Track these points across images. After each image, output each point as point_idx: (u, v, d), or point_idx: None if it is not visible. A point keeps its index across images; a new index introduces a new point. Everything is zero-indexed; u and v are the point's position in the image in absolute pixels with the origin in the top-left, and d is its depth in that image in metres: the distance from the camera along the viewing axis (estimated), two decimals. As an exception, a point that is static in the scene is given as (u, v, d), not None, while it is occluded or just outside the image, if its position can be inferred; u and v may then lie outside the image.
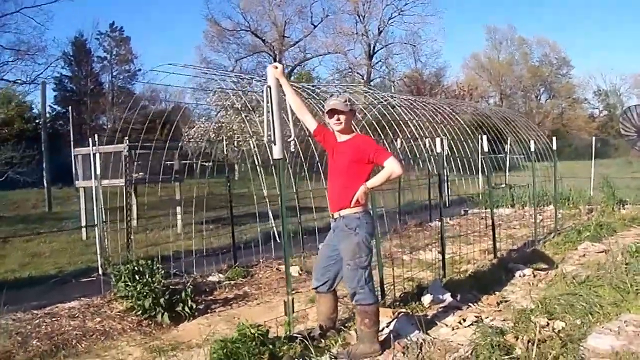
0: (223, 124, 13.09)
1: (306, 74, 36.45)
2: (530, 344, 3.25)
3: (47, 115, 23.61)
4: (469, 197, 11.67)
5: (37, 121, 23.84)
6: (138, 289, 4.52)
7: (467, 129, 11.37)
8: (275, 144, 3.72)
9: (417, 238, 7.96)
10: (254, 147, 8.37)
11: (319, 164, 7.11)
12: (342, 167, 3.48)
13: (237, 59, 37.28)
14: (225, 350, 3.17)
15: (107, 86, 36.03)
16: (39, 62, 29.00)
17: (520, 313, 4.03)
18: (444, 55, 64.58)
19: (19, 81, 27.96)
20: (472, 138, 10.94)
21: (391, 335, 3.62)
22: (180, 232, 8.52)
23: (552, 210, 8.74)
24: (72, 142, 10.79)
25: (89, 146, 7.52)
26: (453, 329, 3.87)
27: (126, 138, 6.41)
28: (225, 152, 7.34)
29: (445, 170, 11.42)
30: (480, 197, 11.24)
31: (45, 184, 15.40)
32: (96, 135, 7.18)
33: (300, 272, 5.97)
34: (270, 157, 4.59)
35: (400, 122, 9.51)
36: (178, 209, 9.24)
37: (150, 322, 4.43)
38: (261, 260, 6.62)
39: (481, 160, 11.53)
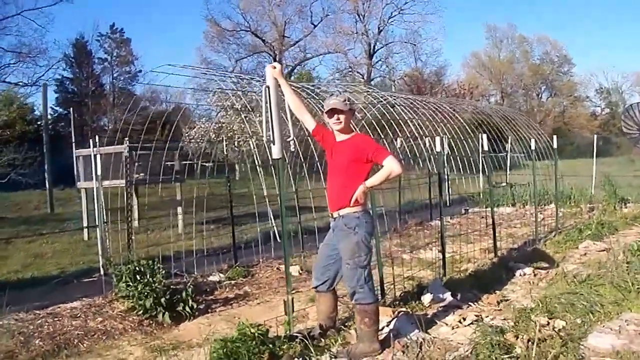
0: (223, 125, 13.10)
1: (306, 73, 36.48)
2: (530, 343, 3.25)
3: (49, 117, 23.71)
4: (470, 196, 11.66)
5: (38, 123, 23.89)
6: (139, 289, 4.54)
7: (468, 127, 11.36)
8: (274, 144, 3.72)
9: (418, 237, 7.96)
10: (253, 147, 8.38)
11: (318, 163, 7.12)
12: (341, 166, 3.49)
13: (237, 59, 37.39)
14: (225, 349, 3.18)
15: (108, 87, 36.10)
16: (40, 64, 29.10)
17: (521, 312, 4.02)
18: (444, 54, 64.79)
19: (20, 83, 28.06)
20: (473, 137, 10.93)
21: (391, 335, 3.63)
22: (181, 232, 8.54)
23: (553, 209, 8.73)
24: (73, 144, 10.81)
25: (90, 147, 7.55)
26: (453, 328, 3.87)
27: (126, 139, 6.43)
28: (225, 153, 7.36)
29: (445, 170, 11.43)
30: (481, 196, 11.23)
31: (47, 186, 15.45)
32: (97, 137, 7.20)
33: (301, 271, 5.98)
34: (270, 157, 4.60)
35: (400, 121, 9.51)
36: (179, 209, 9.26)
37: (151, 322, 4.45)
38: (261, 260, 6.63)
39: (482, 159, 11.52)
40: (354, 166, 3.44)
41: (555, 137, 8.75)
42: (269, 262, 6.59)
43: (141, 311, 4.49)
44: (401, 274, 5.19)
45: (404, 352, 3.38)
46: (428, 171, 10.24)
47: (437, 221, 8.52)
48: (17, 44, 27.98)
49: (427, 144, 9.61)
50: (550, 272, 5.46)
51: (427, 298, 4.53)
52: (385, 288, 4.70)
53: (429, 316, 4.14)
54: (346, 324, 3.97)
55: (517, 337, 3.42)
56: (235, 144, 11.28)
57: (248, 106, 8.80)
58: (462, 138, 10.92)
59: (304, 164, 7.89)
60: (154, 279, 4.64)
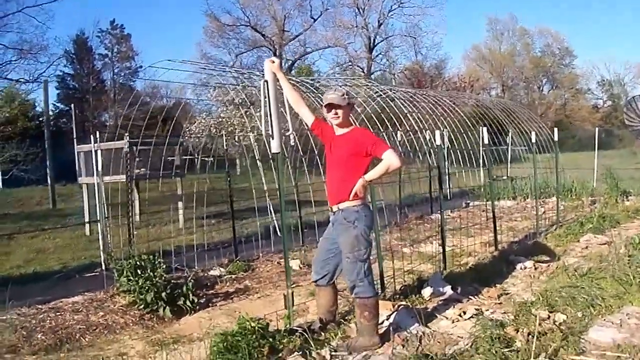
0: (223, 119, 13.08)
1: (306, 67, 36.39)
2: (530, 336, 3.25)
3: (50, 113, 23.73)
4: (470, 189, 11.65)
5: (40, 119, 23.91)
6: (140, 284, 4.56)
7: (468, 121, 11.33)
8: (273, 138, 3.72)
9: (418, 231, 7.96)
10: (253, 142, 8.38)
11: (318, 157, 7.11)
12: (341, 160, 3.48)
13: (237, 54, 37.33)
14: (225, 343, 3.19)
15: (109, 83, 36.11)
16: (41, 61, 29.10)
17: (521, 306, 4.03)
18: (444, 47, 64.65)
19: (22, 80, 28.08)
20: (473, 130, 10.90)
21: (391, 328, 3.63)
22: (181, 226, 8.57)
23: (554, 202, 8.72)
24: (74, 140, 10.83)
25: (91, 143, 7.55)
26: (453, 322, 3.88)
27: (127, 134, 6.43)
28: (225, 147, 7.35)
29: (446, 163, 11.41)
30: (482, 190, 11.22)
31: (49, 181, 15.49)
32: (98, 132, 7.20)
33: (301, 265, 5.99)
34: (269, 152, 4.59)
35: (400, 115, 9.48)
36: (179, 204, 9.28)
37: (152, 316, 4.47)
38: (262, 254, 6.65)
39: (482, 153, 11.49)
40: (353, 160, 3.43)
41: (556, 129, 8.72)
42: (270, 256, 6.60)
43: (142, 305, 4.51)
44: (401, 267, 5.19)
45: (403, 346, 3.39)
46: (428, 165, 10.23)
47: (437, 215, 8.51)
48: (18, 41, 28.04)
49: (428, 138, 9.58)
50: (551, 266, 5.46)
51: (427, 292, 4.53)
52: (386, 282, 4.70)
53: (429, 310, 4.14)
54: (346, 317, 3.98)
55: (518, 331, 3.42)
56: (236, 138, 11.26)
57: (247, 101, 8.78)
58: (463, 131, 10.89)
59: (303, 158, 7.88)
60: (155, 274, 4.65)
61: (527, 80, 47.23)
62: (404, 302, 4.22)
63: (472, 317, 3.89)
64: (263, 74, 3.81)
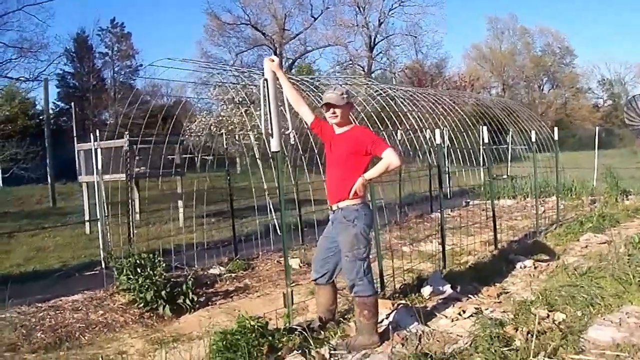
0: (224, 118, 13.09)
1: (307, 66, 36.39)
2: (529, 335, 3.25)
3: (50, 111, 23.70)
4: (471, 188, 11.65)
5: (40, 118, 23.91)
6: (140, 282, 4.56)
7: (468, 120, 11.33)
8: (272, 137, 3.71)
9: (418, 230, 7.96)
10: (253, 141, 8.38)
11: (318, 156, 7.11)
12: (340, 158, 3.48)
13: (237, 52, 37.32)
14: (225, 342, 3.19)
15: (109, 82, 36.10)
16: (41, 59, 29.15)
17: (521, 305, 4.03)
18: (445, 46, 64.63)
19: (22, 78, 28.11)
20: (474, 129, 10.90)
21: (390, 327, 3.63)
22: (181, 225, 8.57)
23: (554, 202, 8.72)
24: (75, 138, 10.82)
25: (91, 142, 7.55)
26: (452, 321, 3.88)
27: (126, 133, 6.43)
28: (225, 146, 7.35)
29: (446, 162, 11.41)
30: (482, 189, 11.22)
31: (49, 180, 15.49)
32: (97, 131, 7.21)
33: (301, 264, 5.99)
34: (269, 150, 4.59)
35: (400, 114, 9.48)
36: (179, 202, 9.27)
37: (152, 315, 4.47)
38: (261, 253, 6.65)
39: (482, 152, 11.49)
40: (353, 159, 3.43)
41: (556, 129, 8.72)
42: (269, 255, 6.60)
43: (142, 304, 4.51)
44: (401, 266, 5.20)
45: (403, 345, 3.39)
46: (428, 164, 10.23)
47: (437, 213, 8.51)
48: (18, 39, 28.03)
49: (428, 137, 9.58)
50: (551, 265, 5.46)
51: (426, 290, 4.53)
52: (385, 280, 4.70)
53: (428, 309, 4.14)
54: (345, 316, 3.98)
55: (517, 330, 3.43)
56: (236, 137, 11.26)
57: (247, 100, 8.78)
58: (463, 130, 10.88)
59: (303, 157, 7.88)
60: (155, 272, 4.66)
61: (528, 80, 47.20)
62: (403, 301, 4.22)
63: (471, 316, 3.90)
64: (263, 73, 3.81)
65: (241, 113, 9.80)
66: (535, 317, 3.49)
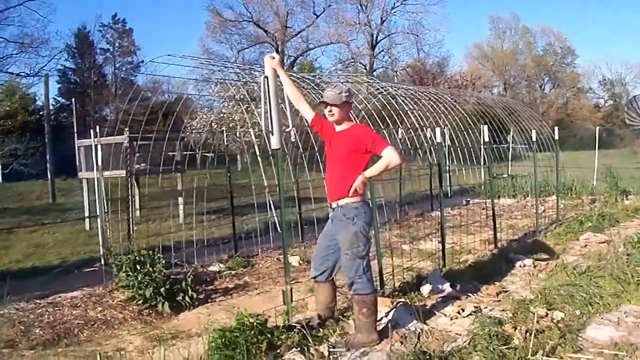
0: (224, 115, 13.09)
1: (308, 64, 36.38)
2: (528, 334, 3.25)
3: (51, 107, 23.72)
4: (471, 187, 11.65)
5: (40, 113, 23.89)
6: (139, 279, 4.55)
7: (469, 119, 11.32)
8: (273, 134, 3.71)
9: (418, 228, 7.96)
10: (254, 138, 8.37)
11: (318, 154, 7.11)
12: (340, 156, 3.47)
13: (239, 49, 37.24)
14: (224, 339, 3.19)
15: (110, 78, 36.06)
16: (42, 55, 29.11)
17: (520, 303, 4.03)
18: (446, 45, 64.25)
19: (22, 74, 28.07)
20: (475, 128, 10.90)
21: (389, 325, 3.63)
22: (181, 222, 8.56)
23: (554, 201, 8.72)
24: (75, 134, 10.81)
25: (91, 138, 7.54)
26: (451, 319, 3.88)
27: (126, 129, 6.42)
28: (225, 143, 7.34)
29: (447, 161, 11.40)
30: (482, 187, 11.21)
31: (49, 176, 15.49)
32: (98, 127, 7.20)
33: (301, 262, 5.99)
34: (269, 148, 4.59)
35: (401, 112, 9.48)
36: (180, 199, 9.27)
37: (151, 312, 4.46)
38: (261, 250, 6.64)
39: (483, 151, 11.49)
40: (353, 156, 3.43)
41: (556, 128, 8.72)
42: (269, 252, 6.60)
43: (141, 301, 4.51)
44: (401, 264, 5.20)
45: (402, 343, 3.39)
46: (429, 162, 10.22)
47: (437, 212, 8.51)
48: (19, 35, 28.03)
49: (429, 135, 9.57)
50: (550, 264, 5.46)
51: (426, 289, 4.53)
52: (385, 278, 4.70)
53: (427, 307, 4.14)
54: (345, 314, 3.98)
55: (516, 328, 3.42)
56: (237, 134, 11.26)
57: (247, 97, 8.77)
58: (464, 129, 10.88)
59: (304, 155, 7.88)
60: (154, 269, 4.65)
61: (529, 79, 47.15)
62: (402, 299, 4.21)
63: (470, 314, 3.90)
64: (264, 70, 3.80)
65: (242, 110, 9.79)
66: (534, 316, 3.49)
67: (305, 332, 3.39)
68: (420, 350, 3.19)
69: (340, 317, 3.90)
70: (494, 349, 3.10)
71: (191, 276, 4.80)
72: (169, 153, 8.78)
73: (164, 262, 4.90)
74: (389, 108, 9.28)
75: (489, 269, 5.33)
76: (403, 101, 9.51)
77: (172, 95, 25.77)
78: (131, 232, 6.23)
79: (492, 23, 48.44)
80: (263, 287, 5.18)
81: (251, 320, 3.31)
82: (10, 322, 4.13)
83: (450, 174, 12.09)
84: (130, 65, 36.87)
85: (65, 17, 46.65)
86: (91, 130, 7.33)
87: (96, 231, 7.14)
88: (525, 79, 47.12)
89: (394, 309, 3.91)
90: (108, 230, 6.53)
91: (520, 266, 5.44)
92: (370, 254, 3.61)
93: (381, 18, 37.57)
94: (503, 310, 3.98)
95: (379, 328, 3.56)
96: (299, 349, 3.26)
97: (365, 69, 36.48)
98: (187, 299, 4.55)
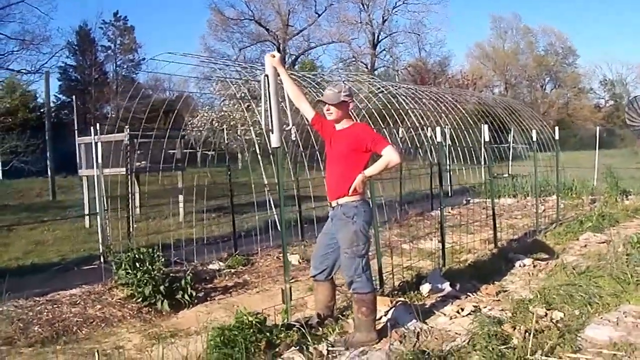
0: (225, 113, 13.08)
1: (310, 63, 36.36)
2: (527, 334, 3.25)
3: (52, 104, 23.72)
4: (472, 186, 11.64)
5: (41, 110, 23.92)
6: (138, 277, 4.56)
7: (470, 118, 11.31)
8: (273, 133, 3.70)
9: (418, 227, 7.95)
10: (255, 136, 8.36)
11: (318, 153, 7.10)
12: (340, 155, 3.47)
13: (240, 48, 37.25)
14: (222, 337, 3.18)
15: (111, 75, 36.05)
16: (43, 52, 28.97)
17: (519, 303, 4.02)
18: (448, 45, 64.45)
19: (23, 71, 28.01)
20: (475, 128, 10.89)
21: (388, 324, 3.63)
22: (181, 220, 8.56)
23: (555, 201, 8.71)
24: (76, 132, 10.80)
25: (91, 135, 7.53)
26: (451, 319, 3.87)
27: (127, 127, 6.41)
28: (226, 141, 7.34)
29: (447, 160, 11.40)
30: (483, 187, 11.21)
31: (49, 173, 15.49)
32: (98, 124, 7.19)
33: (300, 260, 5.99)
34: (269, 146, 4.58)
35: (402, 111, 9.47)
36: (180, 197, 9.27)
37: (150, 310, 4.46)
38: (261, 249, 6.63)
39: (483, 150, 11.49)
40: (353, 155, 3.42)
41: (557, 128, 8.71)
42: (269, 251, 6.59)
43: (140, 299, 4.51)
44: (400, 263, 5.19)
45: (401, 342, 3.38)
46: (429, 161, 10.22)
47: (437, 211, 8.50)
48: (20, 31, 27.91)
49: (429, 135, 9.56)
50: (550, 264, 5.45)
51: (425, 288, 4.52)
52: (384, 278, 4.70)
53: (427, 306, 4.14)
54: (344, 313, 3.98)
55: (515, 328, 3.42)
56: (238, 132, 11.25)
57: (248, 95, 8.76)
58: (464, 128, 10.87)
59: (304, 154, 7.87)
60: (154, 267, 4.65)
61: (530, 79, 47.10)
62: (402, 298, 4.20)
63: (470, 314, 3.89)
64: (264, 68, 3.79)
65: (243, 109, 9.79)
66: (533, 316, 3.49)
67: (304, 331, 3.39)
68: (419, 350, 3.19)
69: (340, 316, 3.90)
70: (493, 349, 3.10)
71: (190, 274, 4.80)
72: (170, 151, 8.77)
73: (163, 260, 4.91)
74: (390, 107, 9.27)
75: (488, 269, 5.33)
76: (404, 100, 9.50)
77: (173, 93, 25.74)
78: (131, 229, 6.23)
79: (493, 23, 48.48)
80: (262, 286, 5.18)
81: (250, 318, 3.31)
82: (9, 319, 4.12)
83: (451, 173, 12.08)
84: (132, 62, 36.87)
85: (67, 14, 46.79)
86: (91, 128, 7.31)
87: (96, 229, 7.13)
88: (526, 79, 47.08)
89: (393, 308, 3.91)
90: (108, 228, 6.53)
91: (520, 266, 5.44)
92: (370, 253, 3.61)
93: (383, 17, 37.61)
94: (502, 309, 3.98)
95: (378, 327, 3.56)
96: (297, 347, 3.25)
97: (367, 68, 36.46)
98: (186, 297, 4.55)
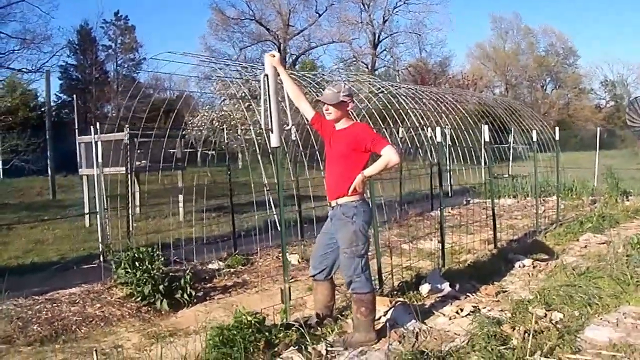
0: (226, 112, 13.08)
1: (310, 62, 36.38)
2: (526, 334, 3.25)
3: (52, 103, 23.72)
4: (472, 187, 11.63)
5: (42, 109, 23.94)
6: (138, 276, 4.55)
7: (471, 119, 11.30)
8: (272, 132, 3.70)
9: (418, 227, 7.95)
10: (255, 136, 8.36)
11: (318, 152, 7.10)
12: (340, 155, 3.47)
13: (241, 47, 37.26)
14: (221, 337, 3.18)
15: (112, 75, 36.08)
16: (44, 51, 28.93)
17: (518, 304, 4.02)
18: (449, 45, 64.57)
19: (24, 70, 27.97)
20: (476, 128, 10.88)
21: (387, 324, 3.62)
22: (181, 219, 8.56)
23: (555, 201, 8.70)
24: (76, 131, 10.82)
25: (91, 134, 7.53)
26: (450, 319, 3.87)
27: (127, 126, 6.41)
28: (226, 141, 7.33)
29: (447, 160, 11.40)
30: (483, 187, 11.20)
31: (49, 172, 15.50)
32: (98, 124, 7.19)
33: (300, 260, 5.98)
34: (268, 145, 4.58)
35: (402, 112, 9.46)
36: (180, 197, 9.26)
37: (149, 309, 4.46)
38: (260, 249, 6.62)
39: (483, 150, 11.48)
40: (353, 155, 3.42)
41: (557, 129, 8.70)
42: (269, 250, 6.59)
43: (139, 298, 4.50)
44: (400, 264, 5.19)
45: (400, 342, 3.38)
46: (430, 162, 10.21)
47: (437, 212, 8.50)
48: (21, 30, 27.89)
49: (429, 135, 9.56)
50: (550, 264, 5.45)
51: (425, 288, 4.52)
52: (384, 278, 4.70)
53: (426, 306, 4.13)
54: (343, 313, 3.97)
55: (514, 329, 3.42)
56: (238, 132, 11.25)
57: (248, 95, 8.76)
58: (465, 129, 10.87)
59: (304, 153, 7.87)
60: (153, 266, 4.64)
61: (531, 79, 47.07)
62: (401, 299, 4.20)
63: (469, 314, 3.89)
64: (264, 68, 3.79)
65: (243, 108, 9.78)
66: (533, 317, 3.49)
67: (303, 331, 3.38)
68: (418, 350, 3.19)
69: (339, 315, 3.90)
70: (492, 349, 3.09)
71: (190, 274, 4.79)
72: (170, 150, 8.77)
73: (163, 259, 4.90)
74: (390, 107, 9.27)
75: (488, 269, 5.32)
76: (404, 100, 9.50)
77: (174, 92, 25.71)
78: (131, 229, 6.23)
79: (494, 23, 48.46)
80: (262, 286, 5.17)
81: (249, 318, 3.31)
82: (8, 318, 4.12)
83: (451, 173, 12.08)
84: (132, 62, 36.87)
85: (68, 13, 46.82)
86: (92, 127, 7.32)
87: (96, 228, 7.13)
88: (527, 80, 47.05)
89: (393, 308, 3.91)
90: (108, 227, 6.53)
91: (519, 266, 5.43)
92: (369, 253, 3.61)
93: (383, 17, 37.62)
94: (502, 310, 3.97)
95: (377, 327, 3.55)
96: (296, 347, 3.25)
97: (367, 68, 36.46)
98: (185, 296, 4.55)
